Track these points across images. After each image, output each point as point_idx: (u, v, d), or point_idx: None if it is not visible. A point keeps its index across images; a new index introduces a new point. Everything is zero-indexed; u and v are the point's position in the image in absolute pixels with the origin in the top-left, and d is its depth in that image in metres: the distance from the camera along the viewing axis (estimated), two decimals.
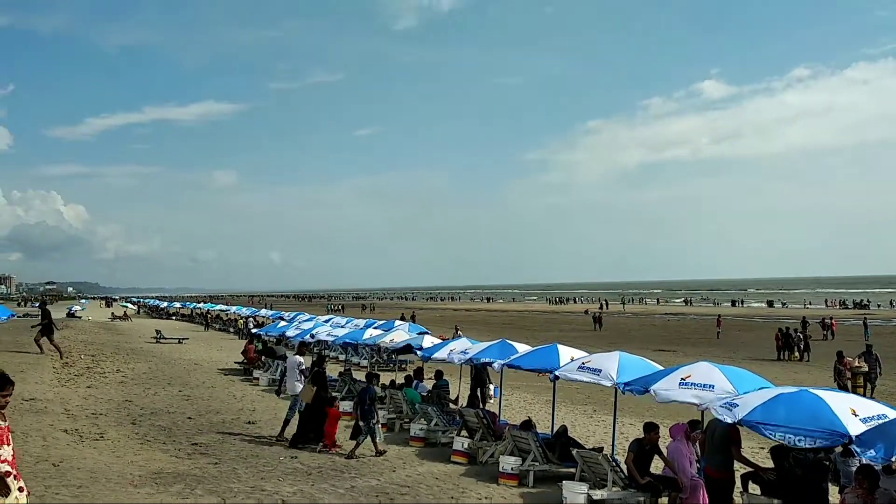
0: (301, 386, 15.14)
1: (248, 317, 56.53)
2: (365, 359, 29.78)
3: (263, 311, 59.52)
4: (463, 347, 16.46)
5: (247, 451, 13.47)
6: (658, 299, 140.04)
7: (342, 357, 31.95)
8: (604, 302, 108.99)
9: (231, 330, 55.25)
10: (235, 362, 29.10)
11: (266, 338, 30.10)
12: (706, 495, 9.23)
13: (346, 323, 33.37)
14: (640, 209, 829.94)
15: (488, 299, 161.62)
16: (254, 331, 36.16)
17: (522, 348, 14.93)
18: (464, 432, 14.29)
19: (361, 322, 34.17)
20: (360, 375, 23.00)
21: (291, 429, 14.68)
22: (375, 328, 28.07)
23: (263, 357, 25.82)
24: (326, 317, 37.70)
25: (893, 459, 6.39)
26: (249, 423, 16.78)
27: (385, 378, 21.17)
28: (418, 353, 18.55)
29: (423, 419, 15.53)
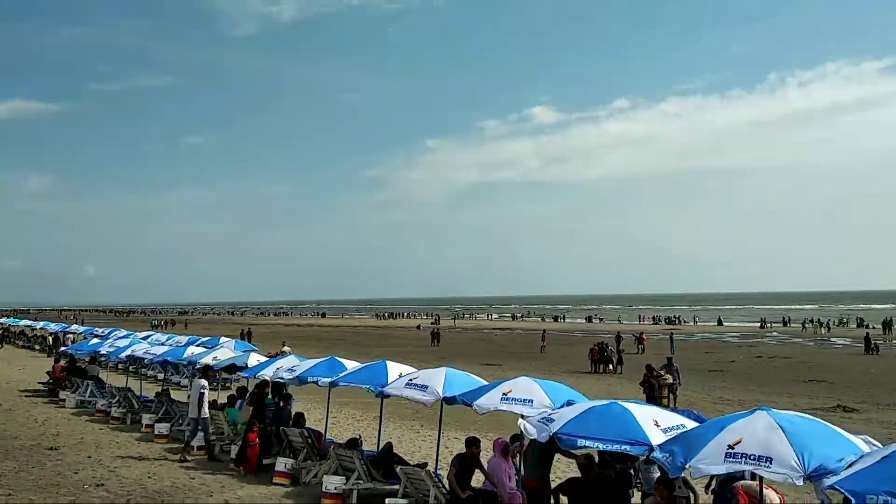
0: (203, 409, 15.11)
1: (57, 333, 52.21)
2: (186, 378, 28.32)
3: (74, 327, 55.21)
4: (290, 365, 16.01)
5: (45, 481, 12.33)
6: (488, 314, 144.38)
7: (161, 376, 30.22)
8: (436, 317, 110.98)
9: (37, 347, 50.94)
10: (40, 382, 26.73)
11: (77, 356, 27.87)
12: None
13: (167, 340, 31.59)
14: (473, 227, 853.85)
15: (322, 315, 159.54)
16: (62, 348, 33.36)
17: (351, 365, 14.75)
18: (288, 452, 13.88)
19: (184, 339, 32.49)
20: (179, 396, 21.81)
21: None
22: (198, 345, 26.73)
23: (72, 377, 23.85)
24: (145, 333, 35.52)
25: (687, 466, 6.85)
26: (51, 448, 15.41)
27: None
28: (241, 373, 17.85)
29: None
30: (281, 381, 15.80)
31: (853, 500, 5.55)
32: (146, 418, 18.62)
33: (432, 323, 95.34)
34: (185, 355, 21.91)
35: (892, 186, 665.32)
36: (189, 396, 16.31)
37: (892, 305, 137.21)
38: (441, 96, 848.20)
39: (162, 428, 17.45)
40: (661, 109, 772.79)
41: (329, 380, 13.82)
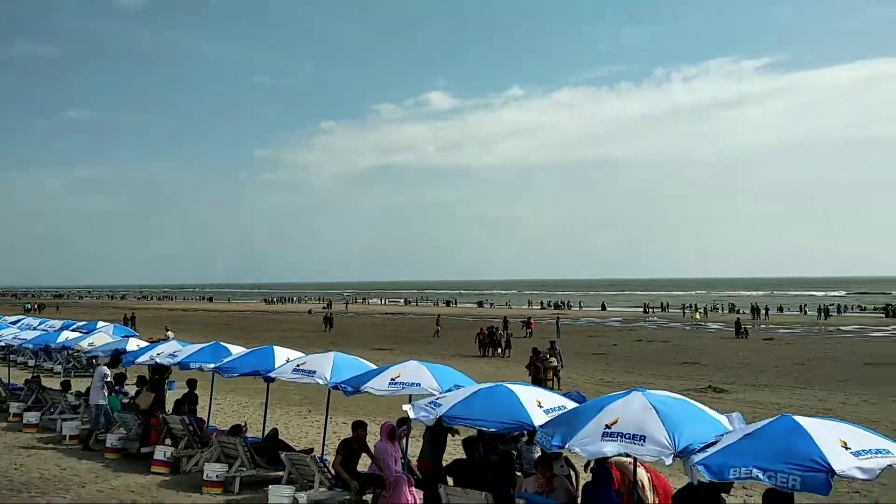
0: (102, 397, 14.80)
1: None
2: (60, 364, 26.90)
3: None
4: (172, 350, 15.46)
5: None
6: (382, 299, 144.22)
7: (32, 363, 28.58)
8: (328, 302, 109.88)
9: None
10: None
11: None
12: (410, 492, 9.56)
13: (40, 324, 29.82)
14: (370, 211, 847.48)
15: (209, 299, 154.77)
16: None
17: (237, 350, 14.39)
18: (167, 440, 13.41)
19: (58, 323, 30.76)
20: (51, 383, 20.67)
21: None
22: (73, 330, 25.36)
23: None
24: (15, 317, 33.39)
25: (566, 446, 7.08)
26: None
27: (81, 385, 19.28)
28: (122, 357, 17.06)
29: (121, 429, 14.33)
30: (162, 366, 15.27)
31: (710, 473, 5.93)
32: (14, 407, 17.57)
33: (324, 308, 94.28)
34: (58, 340, 20.76)
35: (766, 178, 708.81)
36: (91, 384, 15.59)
37: (763, 292, 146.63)
38: (335, 78, 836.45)
39: (31, 417, 16.51)
40: (554, 99, 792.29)
41: (212, 365, 13.43)
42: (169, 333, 31.76)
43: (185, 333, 35.13)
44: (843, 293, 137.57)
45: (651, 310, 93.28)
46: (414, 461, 11.08)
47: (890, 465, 5.82)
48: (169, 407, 15.04)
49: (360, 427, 10.31)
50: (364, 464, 10.73)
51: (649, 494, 8.52)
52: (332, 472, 10.17)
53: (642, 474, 8.55)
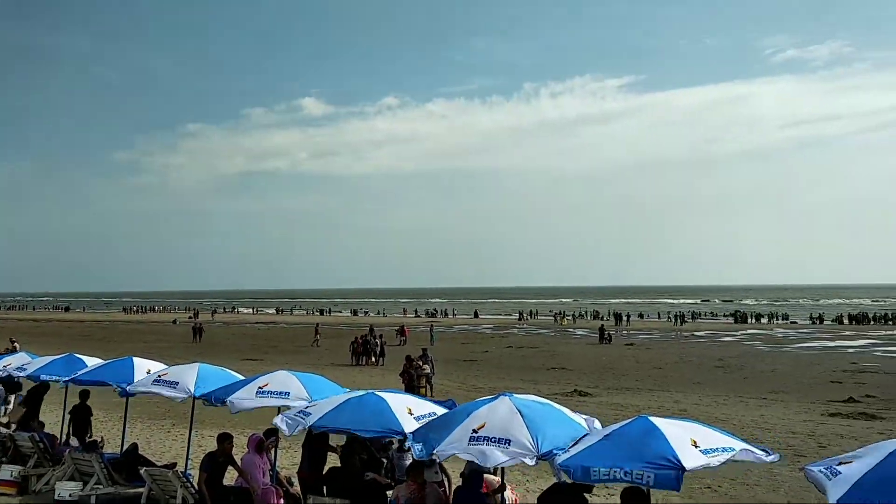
0: None
1: None
2: None
3: None
4: (21, 363, 14.44)
5: None
6: (253, 308, 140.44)
7: None
8: (195, 311, 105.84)
9: None
10: None
11: None
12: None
13: None
14: (239, 218, 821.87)
15: (65, 308, 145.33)
16: None
17: (93, 362, 13.59)
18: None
19: None
20: None
21: None
22: None
23: None
24: None
25: (435, 452, 7.16)
26: None
27: None
28: None
29: None
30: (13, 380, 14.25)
31: (574, 475, 6.18)
32: None
33: (190, 317, 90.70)
34: None
35: (628, 190, 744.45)
36: None
37: (624, 300, 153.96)
38: (203, 79, 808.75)
39: None
40: (428, 109, 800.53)
41: (66, 378, 12.63)
42: (16, 345, 29.56)
43: (38, 346, 32.78)
44: (697, 301, 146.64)
45: (526, 317, 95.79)
46: (285, 472, 10.85)
47: (729, 459, 6.28)
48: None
49: (225, 439, 9.99)
50: (231, 477, 10.41)
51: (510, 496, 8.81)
52: (195, 487, 9.80)
53: (508, 494, 8.82)
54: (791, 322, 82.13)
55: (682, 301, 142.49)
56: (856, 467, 5.44)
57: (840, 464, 5.69)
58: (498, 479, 8.17)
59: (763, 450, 6.63)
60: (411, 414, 8.43)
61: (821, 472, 5.68)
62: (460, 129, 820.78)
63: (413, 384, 23.95)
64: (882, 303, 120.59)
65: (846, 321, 78.99)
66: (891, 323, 76.16)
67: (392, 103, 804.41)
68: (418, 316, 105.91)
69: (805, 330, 68.59)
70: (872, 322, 78.32)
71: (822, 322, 80.00)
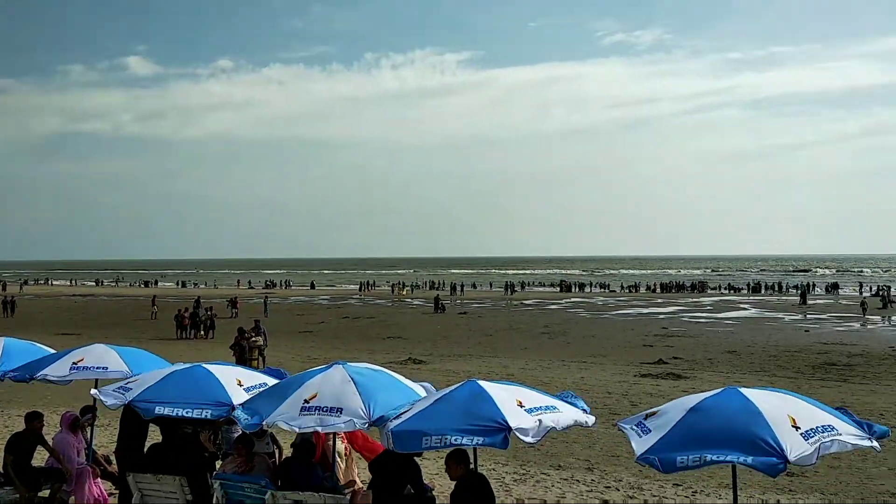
0: None
1: None
2: None
3: None
4: None
5: None
6: (72, 280, 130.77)
7: None
8: (2, 283, 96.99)
9: None
10: None
11: None
12: (95, 484, 8.84)
13: None
14: (53, 182, 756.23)
15: None
16: None
17: None
18: None
19: None
20: None
21: None
22: None
23: None
24: None
25: (265, 423, 7.03)
26: None
27: None
28: None
29: None
30: None
31: (399, 445, 6.30)
32: None
33: None
34: None
35: (466, 164, 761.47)
36: None
37: (470, 270, 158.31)
38: (11, 31, 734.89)
39: None
40: (264, 74, 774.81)
41: None
42: None
43: None
44: (528, 271, 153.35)
45: (370, 287, 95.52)
46: (103, 451, 10.23)
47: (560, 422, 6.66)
48: None
49: (34, 418, 9.25)
50: (42, 458, 9.68)
51: (342, 465, 8.85)
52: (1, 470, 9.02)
53: (340, 446, 8.81)
54: (610, 290, 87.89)
55: (515, 272, 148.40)
56: (661, 422, 5.96)
57: (647, 417, 6.20)
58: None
59: (584, 410, 7.11)
60: (241, 385, 8.21)
61: (632, 428, 6.17)
62: (298, 96, 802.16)
63: (245, 356, 23.32)
64: (690, 273, 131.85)
65: (658, 290, 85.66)
66: (697, 291, 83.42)
67: (226, 66, 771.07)
68: (252, 287, 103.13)
69: (622, 298, 73.61)
70: (680, 291, 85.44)
71: (636, 290, 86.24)
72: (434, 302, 56.15)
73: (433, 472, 10.85)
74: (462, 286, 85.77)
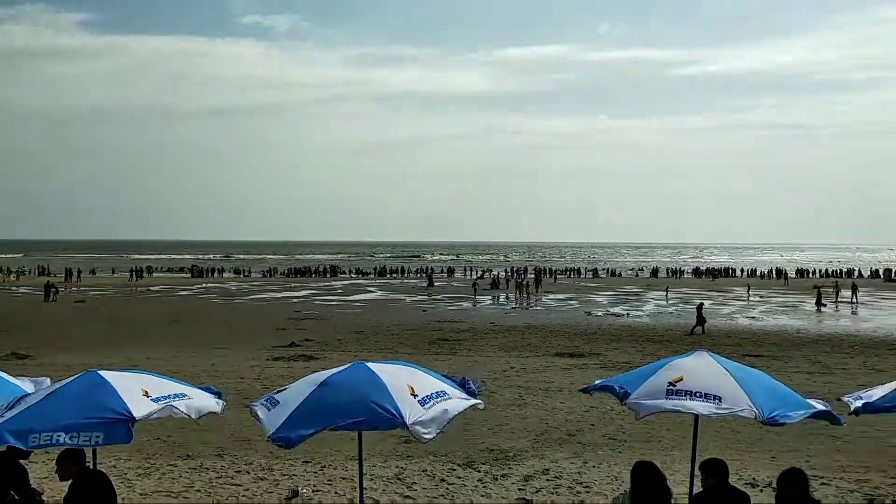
0: None
1: None
2: None
3: None
4: None
5: None
6: None
7: None
8: None
9: None
10: None
11: None
12: None
13: None
14: None
15: None
16: None
17: None
18: None
19: None
20: None
21: None
22: None
23: None
24: None
25: None
26: None
27: None
28: None
29: None
30: None
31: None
32: None
33: None
34: None
35: (95, 135, 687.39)
36: None
37: (94, 255, 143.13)
38: None
39: None
40: None
41: None
42: None
43: None
44: (156, 256, 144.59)
45: None
46: None
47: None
48: None
49: None
50: None
51: None
52: None
53: None
54: (244, 275, 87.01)
55: (141, 256, 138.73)
56: (290, 395, 6.16)
57: (277, 392, 6.37)
58: None
59: (216, 393, 6.93)
60: None
61: (262, 404, 6.27)
62: None
63: None
64: (325, 258, 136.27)
65: (294, 275, 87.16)
66: (329, 276, 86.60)
67: None
68: None
69: (257, 283, 73.43)
70: (314, 275, 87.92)
71: (273, 275, 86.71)
72: (45, 289, 50.12)
73: (42, 475, 9.75)
74: (79, 271, 77.72)
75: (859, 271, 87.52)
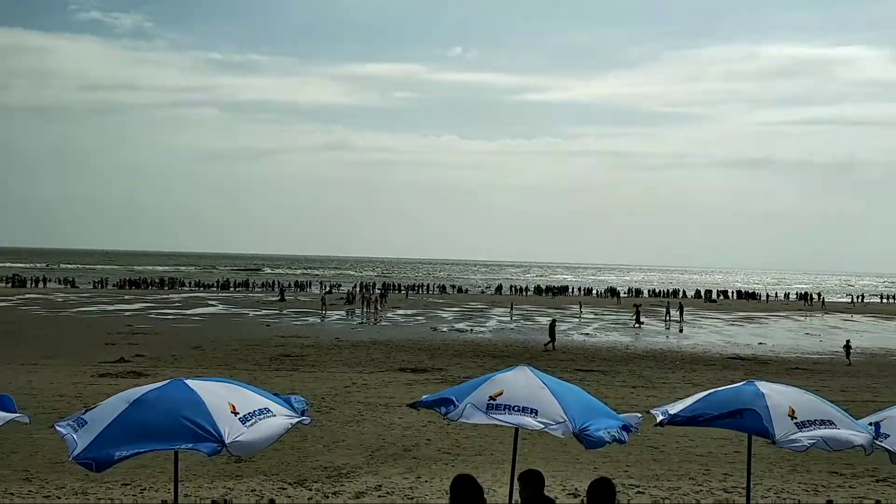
0: None
1: None
2: None
3: None
4: None
5: None
6: None
7: None
8: None
9: None
10: None
11: None
12: None
13: None
14: None
15: None
16: None
17: None
18: None
19: None
20: None
21: None
22: None
23: None
24: None
25: None
26: None
27: None
28: None
29: None
30: None
31: None
32: None
33: None
34: None
35: None
36: None
37: None
38: None
39: None
40: None
41: None
42: None
43: None
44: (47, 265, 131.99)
45: None
46: None
47: None
48: None
49: None
50: None
51: None
52: None
53: None
54: (72, 286, 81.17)
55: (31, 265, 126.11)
56: (100, 415, 5.81)
57: (85, 412, 5.98)
58: None
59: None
60: None
61: (68, 424, 5.86)
62: None
63: None
64: (163, 270, 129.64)
65: (128, 286, 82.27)
66: (167, 288, 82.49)
67: None
68: None
69: (86, 294, 68.70)
70: (150, 287, 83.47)
71: (104, 286, 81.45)
72: None
73: None
74: None
75: (684, 292, 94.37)
